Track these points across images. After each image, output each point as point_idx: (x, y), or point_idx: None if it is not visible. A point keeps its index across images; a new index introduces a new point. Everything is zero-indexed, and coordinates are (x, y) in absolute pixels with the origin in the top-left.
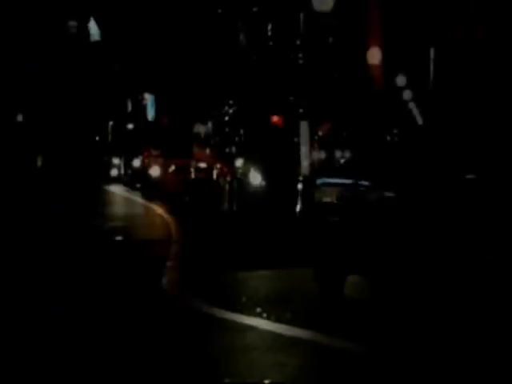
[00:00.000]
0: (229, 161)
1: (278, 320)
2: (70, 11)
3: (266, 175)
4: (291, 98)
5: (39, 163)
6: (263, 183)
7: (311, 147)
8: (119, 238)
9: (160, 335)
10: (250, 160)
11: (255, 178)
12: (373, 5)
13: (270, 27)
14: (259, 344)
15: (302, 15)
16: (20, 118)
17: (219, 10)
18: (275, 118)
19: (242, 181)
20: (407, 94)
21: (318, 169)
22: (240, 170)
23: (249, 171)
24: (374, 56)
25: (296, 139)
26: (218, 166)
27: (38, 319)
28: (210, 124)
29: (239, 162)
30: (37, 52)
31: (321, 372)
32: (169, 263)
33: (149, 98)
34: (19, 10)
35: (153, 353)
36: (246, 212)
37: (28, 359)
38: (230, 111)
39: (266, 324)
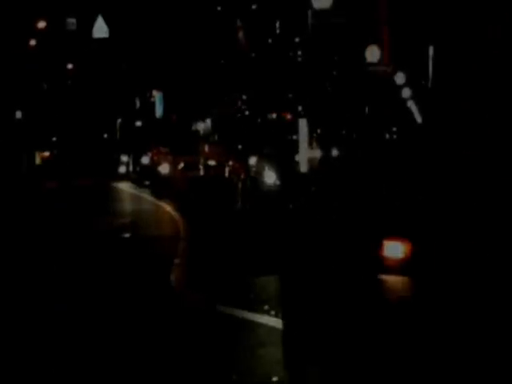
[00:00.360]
0: (241, 158)
1: None
2: (76, 9)
3: (280, 174)
4: (290, 96)
5: (38, 160)
6: (278, 182)
7: (310, 145)
8: (127, 235)
9: (167, 333)
10: (263, 158)
11: (270, 177)
12: (382, 4)
13: (268, 25)
14: (267, 341)
15: (309, 12)
16: (19, 114)
17: (218, 8)
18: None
19: (255, 179)
20: (406, 92)
21: (316, 166)
22: (254, 169)
23: (263, 169)
24: (373, 54)
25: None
26: (231, 163)
27: (46, 317)
28: (208, 121)
29: (253, 160)
30: (40, 51)
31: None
32: (176, 260)
33: (157, 96)
34: (20, 7)
35: (160, 350)
36: (260, 211)
37: (31, 357)
38: (244, 107)
39: (274, 321)
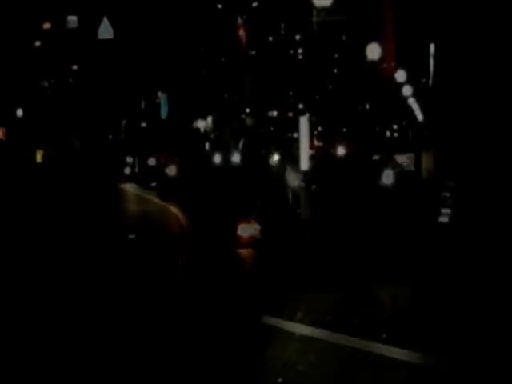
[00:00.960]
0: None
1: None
2: (77, 7)
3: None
4: (291, 93)
5: (39, 159)
6: (303, 184)
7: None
8: (132, 236)
9: (171, 332)
10: (286, 157)
11: (294, 179)
12: (387, 5)
13: (269, 23)
14: (272, 341)
15: (314, 11)
16: (20, 112)
17: (219, 6)
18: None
19: (276, 180)
20: (407, 90)
21: (316, 164)
22: (275, 169)
23: (285, 170)
24: (373, 51)
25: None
26: None
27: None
28: (209, 119)
29: (273, 159)
30: (43, 50)
31: (329, 369)
32: (181, 261)
33: (162, 97)
34: (23, 7)
35: (162, 350)
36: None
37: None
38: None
39: (275, 321)
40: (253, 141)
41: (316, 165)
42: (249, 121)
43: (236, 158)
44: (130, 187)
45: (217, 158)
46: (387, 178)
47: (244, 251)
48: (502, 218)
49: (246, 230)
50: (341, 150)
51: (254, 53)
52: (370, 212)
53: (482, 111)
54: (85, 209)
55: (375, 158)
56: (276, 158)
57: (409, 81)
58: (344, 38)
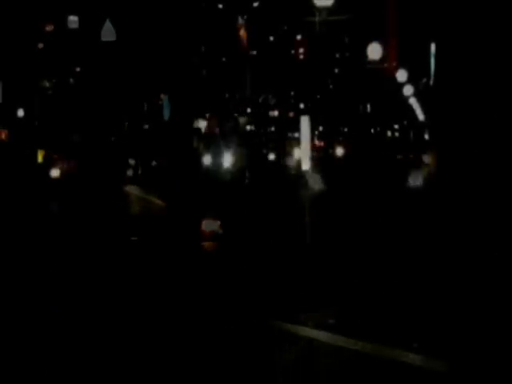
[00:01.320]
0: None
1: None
2: (78, 7)
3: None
4: (292, 93)
5: (40, 159)
6: (325, 188)
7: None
8: (134, 238)
9: (170, 334)
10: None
11: (315, 182)
12: (388, 4)
13: (270, 23)
14: (277, 344)
15: (317, 13)
16: (21, 113)
17: (219, 6)
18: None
19: (295, 183)
20: (408, 90)
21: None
22: (293, 171)
23: (306, 172)
24: (374, 51)
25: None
26: None
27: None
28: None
29: (291, 161)
30: (45, 51)
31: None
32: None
33: (164, 99)
34: (24, 6)
35: (162, 351)
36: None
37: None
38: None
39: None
40: (250, 140)
41: (318, 165)
42: (242, 120)
43: (228, 160)
44: (132, 189)
45: (207, 159)
46: (415, 179)
47: (207, 244)
48: None
49: (209, 225)
50: (340, 151)
51: (254, 53)
52: (396, 215)
53: (483, 111)
54: (86, 210)
55: (399, 157)
56: (294, 159)
57: (410, 80)
58: (345, 37)
